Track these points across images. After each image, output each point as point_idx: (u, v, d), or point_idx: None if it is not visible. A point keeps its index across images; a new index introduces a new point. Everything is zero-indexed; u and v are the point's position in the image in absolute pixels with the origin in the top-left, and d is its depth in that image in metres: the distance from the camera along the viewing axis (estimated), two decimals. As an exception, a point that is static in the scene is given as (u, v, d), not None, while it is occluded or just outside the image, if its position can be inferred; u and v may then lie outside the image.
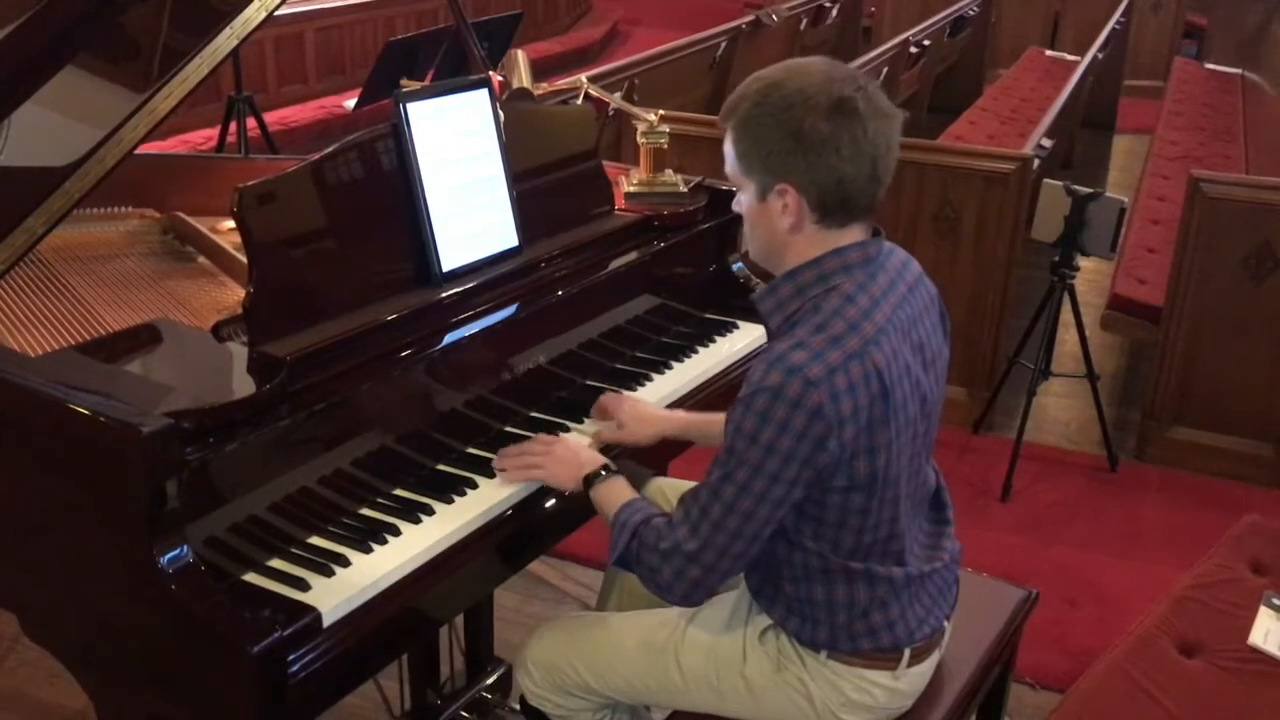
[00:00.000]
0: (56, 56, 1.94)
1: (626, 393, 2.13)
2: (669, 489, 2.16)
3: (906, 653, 1.76)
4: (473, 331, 1.94)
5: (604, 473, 1.84)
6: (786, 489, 1.59)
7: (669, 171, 2.54)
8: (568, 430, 2.03)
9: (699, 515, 1.65)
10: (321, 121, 6.64)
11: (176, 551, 1.48)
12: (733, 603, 1.88)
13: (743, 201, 1.70)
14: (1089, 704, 2.09)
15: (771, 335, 1.72)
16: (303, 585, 1.58)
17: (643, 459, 2.11)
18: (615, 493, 1.82)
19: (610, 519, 1.78)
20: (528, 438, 1.98)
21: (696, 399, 2.23)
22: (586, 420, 2.06)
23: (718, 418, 2.03)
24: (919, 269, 1.78)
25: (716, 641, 1.84)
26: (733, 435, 1.60)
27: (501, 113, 2.10)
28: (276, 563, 1.63)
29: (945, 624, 1.85)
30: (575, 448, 1.91)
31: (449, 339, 1.90)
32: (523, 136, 2.15)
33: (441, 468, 1.89)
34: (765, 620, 1.82)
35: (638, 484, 2.17)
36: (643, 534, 1.72)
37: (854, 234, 1.66)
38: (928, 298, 1.77)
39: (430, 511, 1.77)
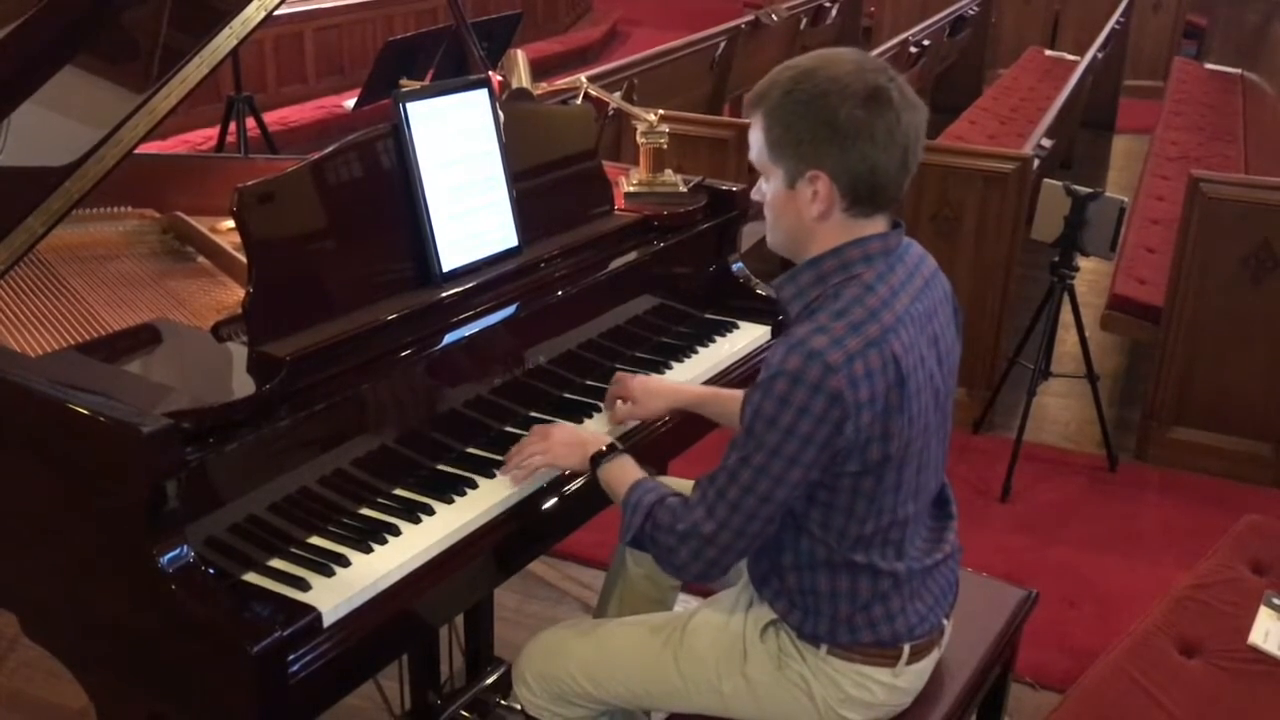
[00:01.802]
0: (56, 56, 1.94)
1: (623, 375, 2.14)
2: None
3: (906, 649, 1.77)
4: (473, 331, 1.94)
5: (610, 451, 1.85)
6: (803, 471, 1.60)
7: (669, 171, 2.54)
8: (568, 430, 2.03)
9: (715, 497, 1.65)
10: (321, 121, 6.64)
11: (176, 551, 1.48)
12: (731, 602, 1.88)
13: (766, 190, 1.70)
14: (1089, 704, 2.09)
15: (790, 323, 1.72)
16: (303, 585, 1.58)
17: (643, 458, 2.10)
18: (624, 472, 1.82)
19: (620, 499, 1.79)
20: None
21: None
22: (587, 420, 2.06)
23: (728, 393, 2.05)
24: (934, 264, 1.79)
25: (716, 642, 1.84)
26: (751, 418, 1.61)
27: (501, 113, 2.10)
28: (277, 562, 1.63)
29: (945, 622, 1.85)
30: (575, 429, 1.94)
31: (449, 339, 1.90)
32: (523, 136, 2.15)
33: (441, 468, 1.89)
34: (765, 617, 1.82)
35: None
36: (657, 515, 1.72)
37: (877, 224, 1.67)
38: (942, 293, 1.78)
39: (430, 511, 1.77)
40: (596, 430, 2.04)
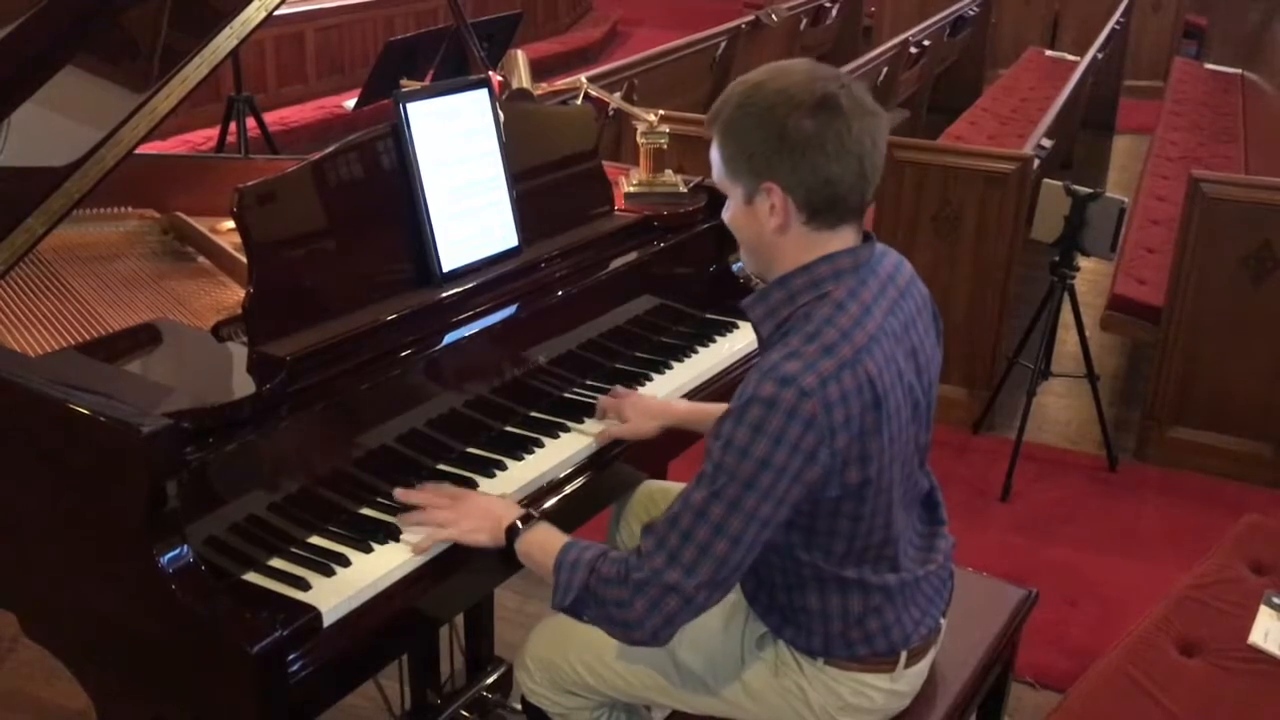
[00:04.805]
0: (56, 56, 1.94)
1: (622, 388, 2.13)
2: (658, 493, 2.15)
3: (903, 655, 1.76)
4: (473, 332, 1.94)
5: (527, 521, 1.72)
6: (774, 507, 1.54)
7: (669, 171, 2.54)
8: (568, 430, 2.02)
9: (679, 541, 1.55)
10: (321, 121, 6.64)
11: (176, 551, 1.48)
12: (731, 606, 1.86)
13: (730, 208, 1.67)
14: (1089, 704, 2.09)
15: (762, 342, 1.70)
16: (303, 585, 1.58)
17: (640, 461, 2.11)
18: (547, 538, 1.70)
19: (550, 563, 1.66)
20: (529, 438, 1.98)
21: (697, 399, 2.23)
22: (587, 420, 2.06)
23: (719, 407, 2.01)
24: (911, 271, 1.75)
25: (715, 645, 1.83)
26: (721, 450, 1.54)
27: (501, 113, 2.10)
28: (277, 562, 1.63)
29: (941, 621, 1.84)
30: (484, 499, 1.78)
31: (449, 339, 1.90)
32: (523, 136, 2.15)
33: (442, 467, 1.89)
34: (763, 626, 1.81)
35: (631, 487, 2.17)
36: (602, 568, 1.61)
37: (845, 237, 1.63)
38: (920, 301, 1.74)
39: (430, 511, 1.77)
40: (598, 430, 2.02)
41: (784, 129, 1.55)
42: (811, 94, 1.55)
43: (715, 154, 1.64)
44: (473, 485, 1.84)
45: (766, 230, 1.62)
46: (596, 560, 1.63)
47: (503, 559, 1.78)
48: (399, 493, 1.76)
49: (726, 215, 1.69)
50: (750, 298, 1.69)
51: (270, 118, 5.68)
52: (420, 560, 1.68)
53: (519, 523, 1.72)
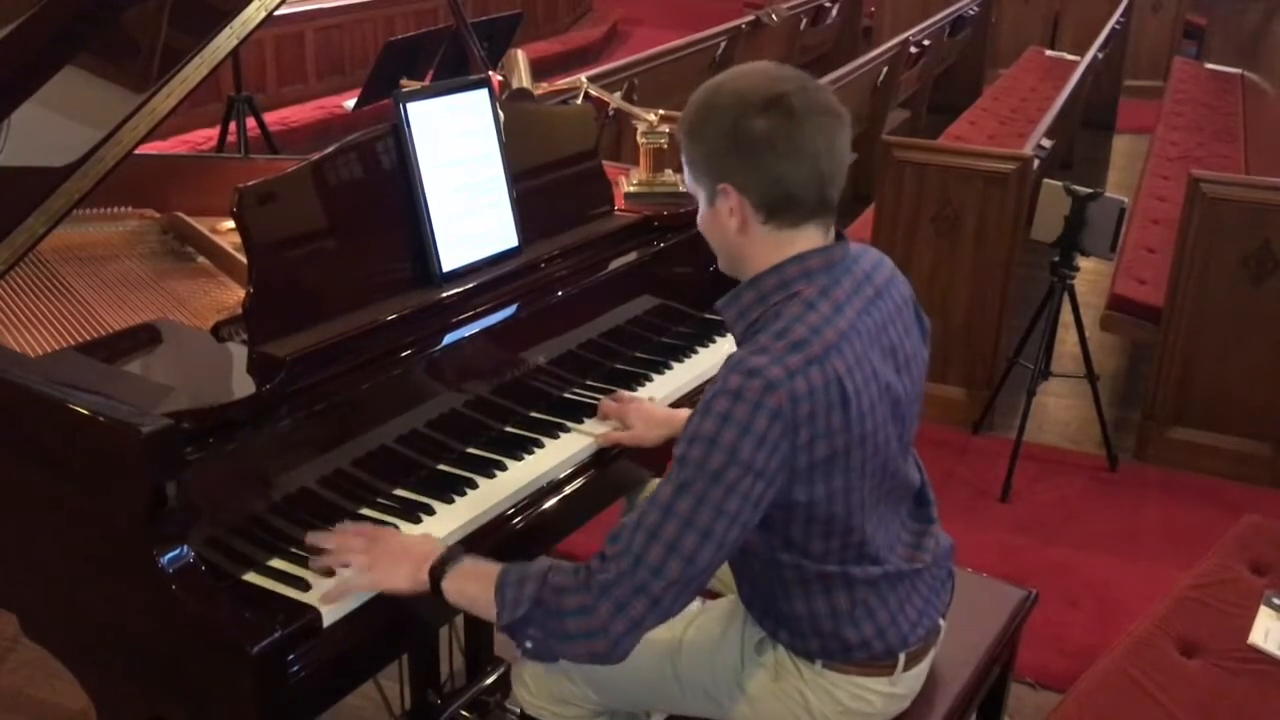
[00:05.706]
0: (56, 56, 1.94)
1: (626, 393, 2.13)
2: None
3: (902, 657, 1.75)
4: (473, 332, 1.94)
5: (452, 557, 1.63)
6: (740, 501, 1.50)
7: (669, 171, 2.54)
8: (567, 430, 2.02)
9: (645, 539, 1.51)
10: (321, 121, 6.64)
11: (176, 551, 1.48)
12: (729, 611, 1.86)
13: (699, 211, 1.67)
14: (1089, 704, 2.09)
15: (737, 343, 1.69)
16: (303, 585, 1.58)
17: (642, 460, 2.11)
18: (482, 567, 1.61)
19: (490, 588, 1.57)
20: (529, 438, 1.98)
21: (696, 399, 2.22)
22: (587, 420, 2.06)
23: None
24: (891, 270, 1.73)
25: (714, 650, 1.82)
26: (687, 444, 1.52)
27: (501, 113, 2.10)
28: (276, 562, 1.63)
29: (940, 622, 1.83)
30: (402, 539, 1.67)
31: (449, 339, 1.90)
32: (523, 136, 2.15)
33: (442, 468, 1.89)
34: (760, 631, 1.80)
35: (636, 484, 2.17)
36: (554, 579, 1.54)
37: (810, 236, 1.62)
38: (900, 300, 1.72)
39: (430, 511, 1.77)
40: (600, 432, 2.02)
41: (736, 129, 1.55)
42: (764, 94, 1.55)
43: (683, 158, 1.64)
44: (473, 485, 1.84)
45: (730, 231, 1.62)
46: (547, 571, 1.56)
47: (502, 560, 1.73)
48: (309, 538, 1.64)
49: (698, 219, 1.69)
50: (723, 299, 1.68)
51: (270, 118, 5.68)
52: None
53: (444, 560, 1.62)
